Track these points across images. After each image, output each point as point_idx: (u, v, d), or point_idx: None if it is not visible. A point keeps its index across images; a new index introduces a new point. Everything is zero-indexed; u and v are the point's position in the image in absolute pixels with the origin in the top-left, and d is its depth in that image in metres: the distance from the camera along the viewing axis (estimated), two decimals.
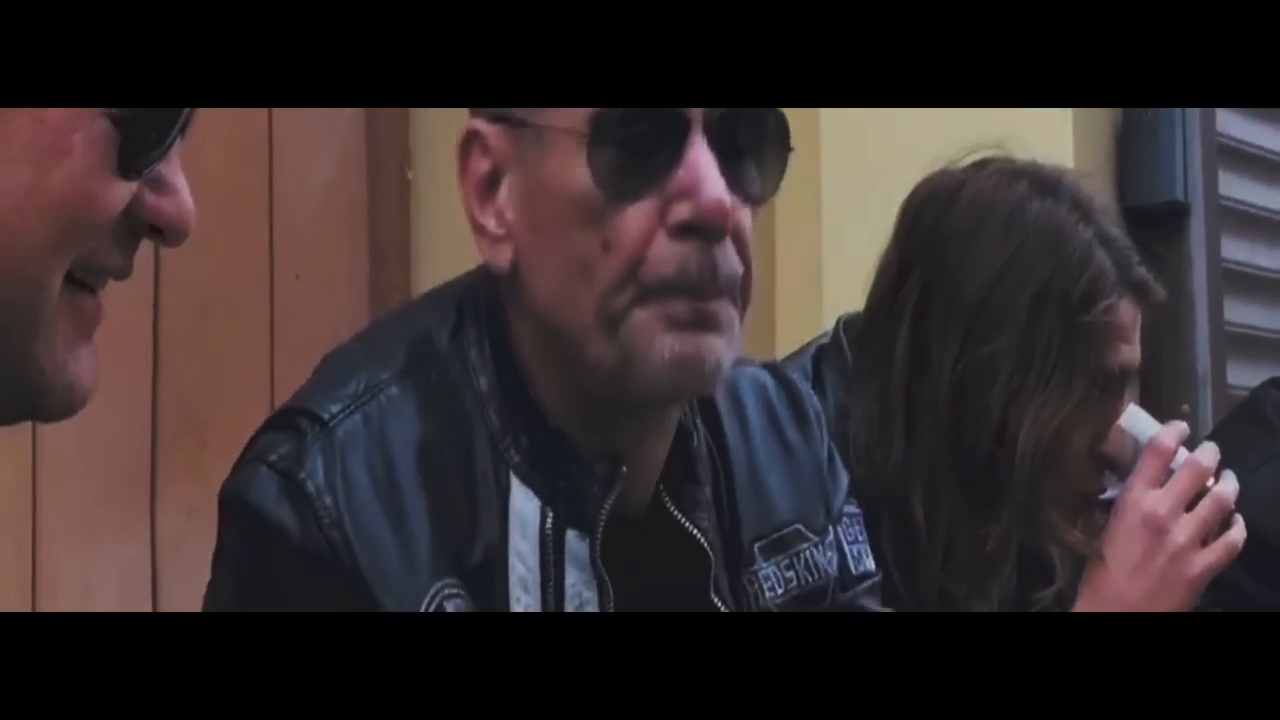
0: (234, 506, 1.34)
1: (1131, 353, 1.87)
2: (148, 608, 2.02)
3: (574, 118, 1.30)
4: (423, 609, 1.34)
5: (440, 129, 2.21)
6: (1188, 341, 2.86)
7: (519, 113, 1.34)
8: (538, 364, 1.39)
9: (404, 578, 1.33)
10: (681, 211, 1.29)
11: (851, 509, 1.60)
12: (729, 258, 1.31)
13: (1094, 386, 1.84)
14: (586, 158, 1.30)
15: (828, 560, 1.55)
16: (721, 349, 1.32)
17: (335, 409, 1.36)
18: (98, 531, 1.97)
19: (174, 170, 0.99)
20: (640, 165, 1.30)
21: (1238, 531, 1.86)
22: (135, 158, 0.96)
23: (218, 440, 2.05)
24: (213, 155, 2.06)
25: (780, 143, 1.36)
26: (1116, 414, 1.87)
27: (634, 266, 1.31)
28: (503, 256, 1.35)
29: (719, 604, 1.45)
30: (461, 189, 1.37)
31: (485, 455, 1.38)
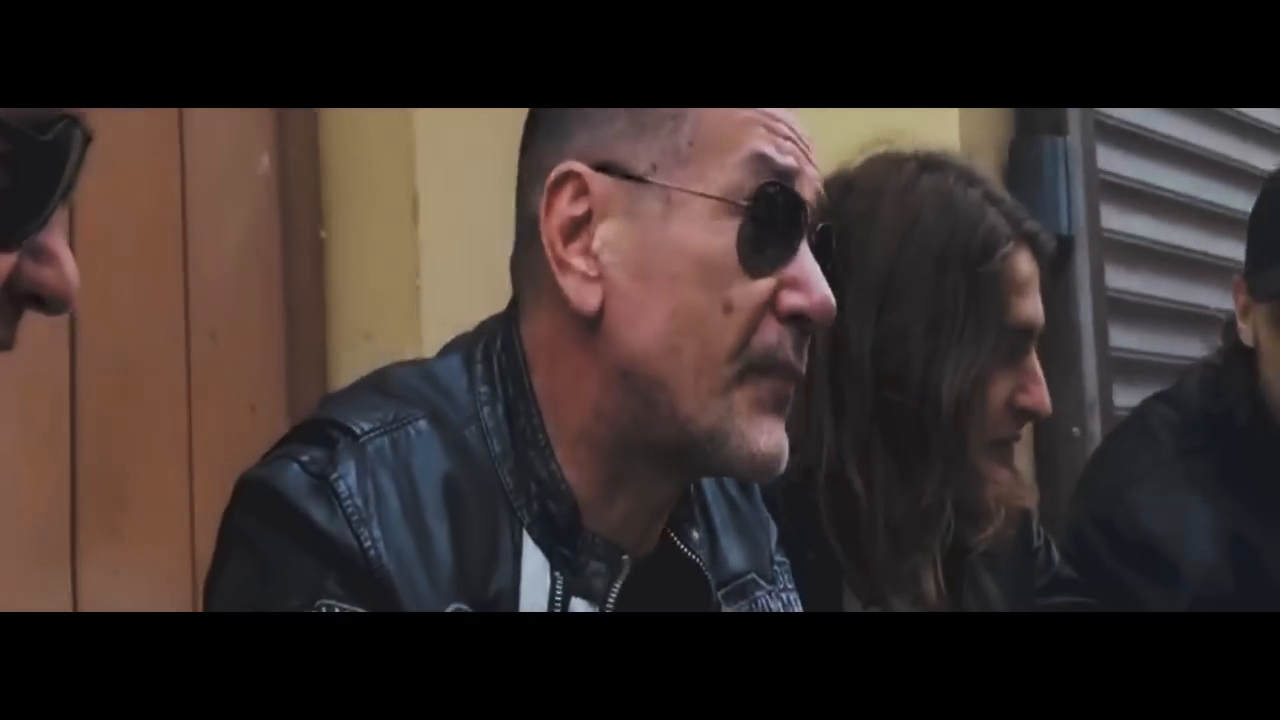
0: (258, 492, 1.29)
1: (1034, 307, 1.85)
2: None
3: (725, 188, 1.32)
4: None
5: (352, 190, 2.22)
6: (1075, 368, 2.87)
7: (639, 169, 1.34)
8: (565, 428, 1.37)
9: (426, 590, 1.30)
10: (796, 300, 1.31)
11: (780, 558, 1.58)
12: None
13: (1003, 339, 1.81)
14: (739, 227, 1.31)
15: (777, 608, 1.54)
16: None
17: (367, 426, 1.32)
18: (19, 595, 1.89)
19: (55, 238, 0.96)
20: (776, 247, 1.32)
21: None
22: (13, 229, 0.93)
23: (138, 501, 2.00)
24: (126, 219, 2.01)
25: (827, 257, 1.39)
26: (1027, 368, 1.84)
27: (749, 335, 1.31)
28: (593, 298, 1.32)
29: None
30: (546, 224, 1.33)
31: (503, 507, 1.35)
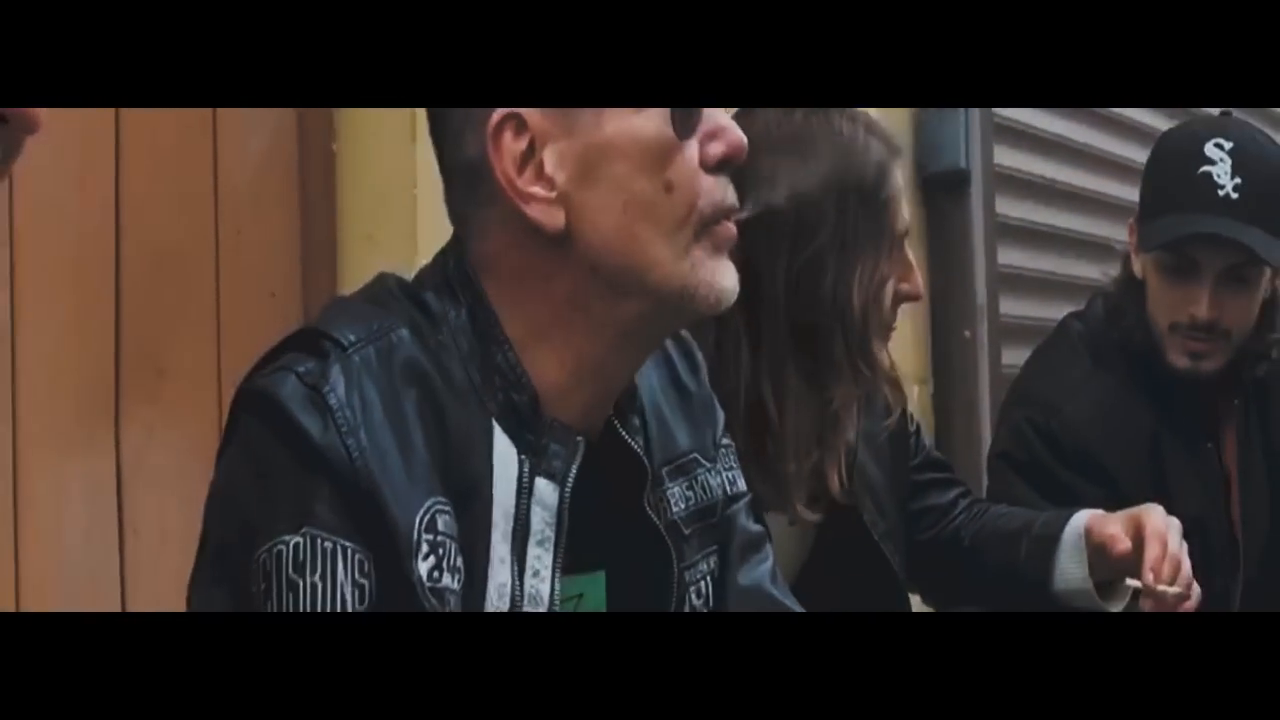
0: (260, 401, 1.26)
1: (906, 210, 1.86)
2: (114, 513, 1.95)
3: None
4: (417, 519, 1.27)
5: (360, 111, 2.16)
6: (969, 280, 2.93)
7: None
8: (529, 332, 1.35)
9: (405, 488, 1.27)
10: (717, 149, 1.30)
11: (726, 441, 1.56)
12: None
13: (895, 246, 1.81)
14: (664, 113, 1.29)
15: (716, 483, 1.52)
16: None
17: (353, 338, 1.29)
18: (69, 447, 1.89)
19: None
20: (694, 111, 1.30)
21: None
22: None
23: (172, 370, 1.99)
24: (165, 128, 1.98)
25: None
26: (904, 260, 1.83)
27: (694, 200, 1.30)
28: (558, 217, 1.30)
29: (650, 513, 1.42)
30: (498, 164, 1.29)
31: (473, 402, 1.32)
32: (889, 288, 1.84)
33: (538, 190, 1.29)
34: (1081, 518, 1.89)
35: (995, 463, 2.19)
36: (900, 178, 1.86)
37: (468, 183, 1.34)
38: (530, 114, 1.29)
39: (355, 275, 2.12)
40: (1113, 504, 2.02)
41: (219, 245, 2.06)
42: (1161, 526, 1.82)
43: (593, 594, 1.43)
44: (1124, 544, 1.83)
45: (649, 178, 1.30)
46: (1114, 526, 1.86)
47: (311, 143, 2.16)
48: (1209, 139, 2.12)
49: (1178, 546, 1.82)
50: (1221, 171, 2.08)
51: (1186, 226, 2.07)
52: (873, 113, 1.87)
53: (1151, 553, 1.78)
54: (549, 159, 1.29)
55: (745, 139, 1.33)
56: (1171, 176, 2.13)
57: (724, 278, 1.34)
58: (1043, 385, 2.23)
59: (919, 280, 1.86)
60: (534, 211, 1.29)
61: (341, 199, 2.17)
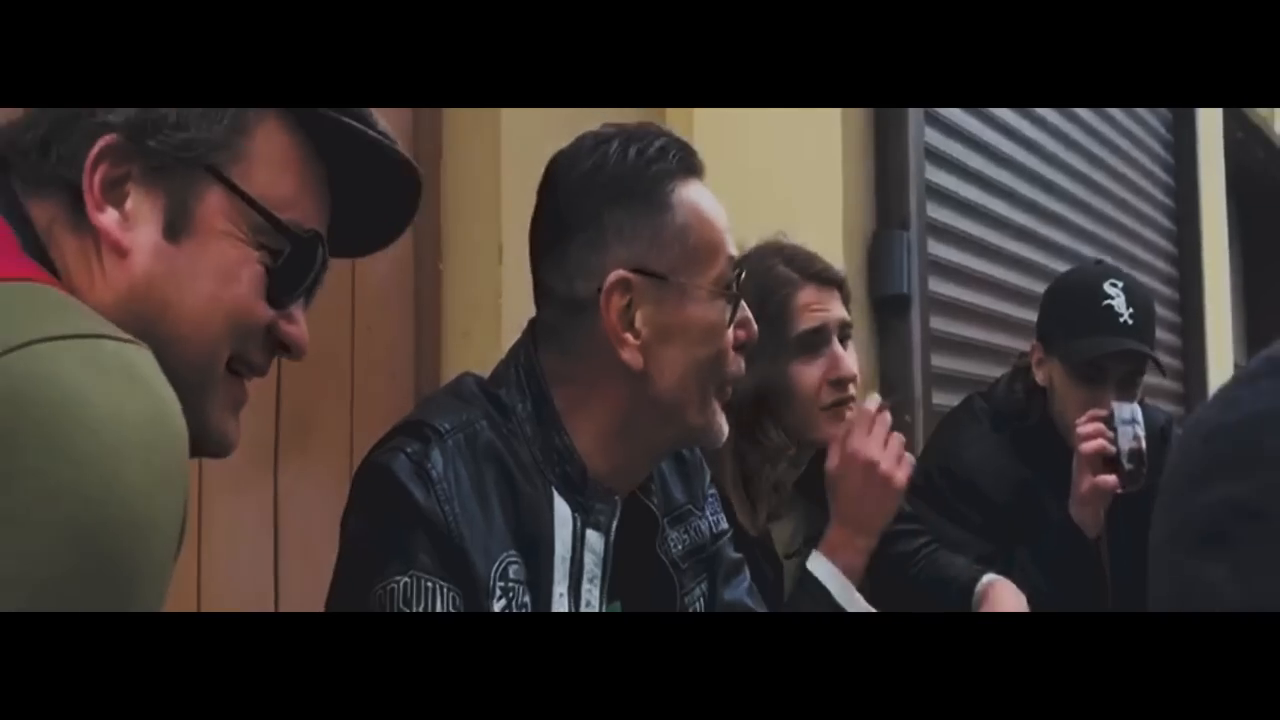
0: (380, 473, 1.29)
1: (825, 314, 1.83)
2: (270, 537, 1.97)
3: (714, 282, 1.36)
4: (494, 569, 1.29)
5: (461, 240, 2.21)
6: (909, 378, 2.90)
7: (662, 271, 1.35)
8: (584, 424, 1.37)
9: (485, 544, 1.29)
10: (742, 335, 1.39)
11: (712, 491, 1.59)
12: None
13: (799, 343, 1.81)
14: (725, 307, 1.37)
15: (705, 526, 1.55)
16: None
17: (448, 426, 1.32)
18: (240, 485, 1.93)
19: (299, 311, 1.02)
20: (739, 310, 1.39)
21: (909, 456, 1.83)
22: (280, 295, 0.98)
23: (317, 429, 2.03)
24: None
25: None
26: (831, 358, 1.83)
27: (727, 368, 1.39)
28: (640, 360, 1.34)
29: (661, 555, 1.46)
30: (607, 313, 1.34)
31: (536, 475, 1.35)
32: (808, 375, 1.82)
33: (629, 337, 1.33)
34: (982, 583, 1.97)
35: (912, 495, 2.18)
36: (812, 294, 1.83)
37: (570, 311, 1.36)
38: (635, 280, 1.33)
39: (454, 363, 2.16)
40: (990, 527, 2.15)
41: (354, 339, 2.09)
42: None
43: None
44: None
45: (707, 348, 1.36)
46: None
47: (425, 263, 2.19)
48: (1104, 279, 2.22)
49: None
50: (1119, 305, 2.17)
51: (1106, 346, 2.15)
52: (816, 248, 1.89)
53: None
54: (640, 317, 1.33)
55: (757, 329, 1.39)
56: (1081, 307, 2.20)
57: (724, 423, 1.40)
58: (948, 441, 2.32)
59: (847, 366, 1.84)
60: (626, 353, 1.33)
61: (445, 305, 2.21)
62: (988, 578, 1.97)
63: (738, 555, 1.63)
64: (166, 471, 0.77)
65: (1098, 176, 4.25)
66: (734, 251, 1.39)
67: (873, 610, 1.84)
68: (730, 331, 1.38)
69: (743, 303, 1.39)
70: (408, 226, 1.11)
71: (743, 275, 1.40)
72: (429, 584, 1.26)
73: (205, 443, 0.96)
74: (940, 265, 3.16)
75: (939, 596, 2.01)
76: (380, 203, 1.07)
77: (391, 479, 1.29)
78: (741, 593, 1.60)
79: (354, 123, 1.00)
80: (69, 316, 0.80)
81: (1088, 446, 2.11)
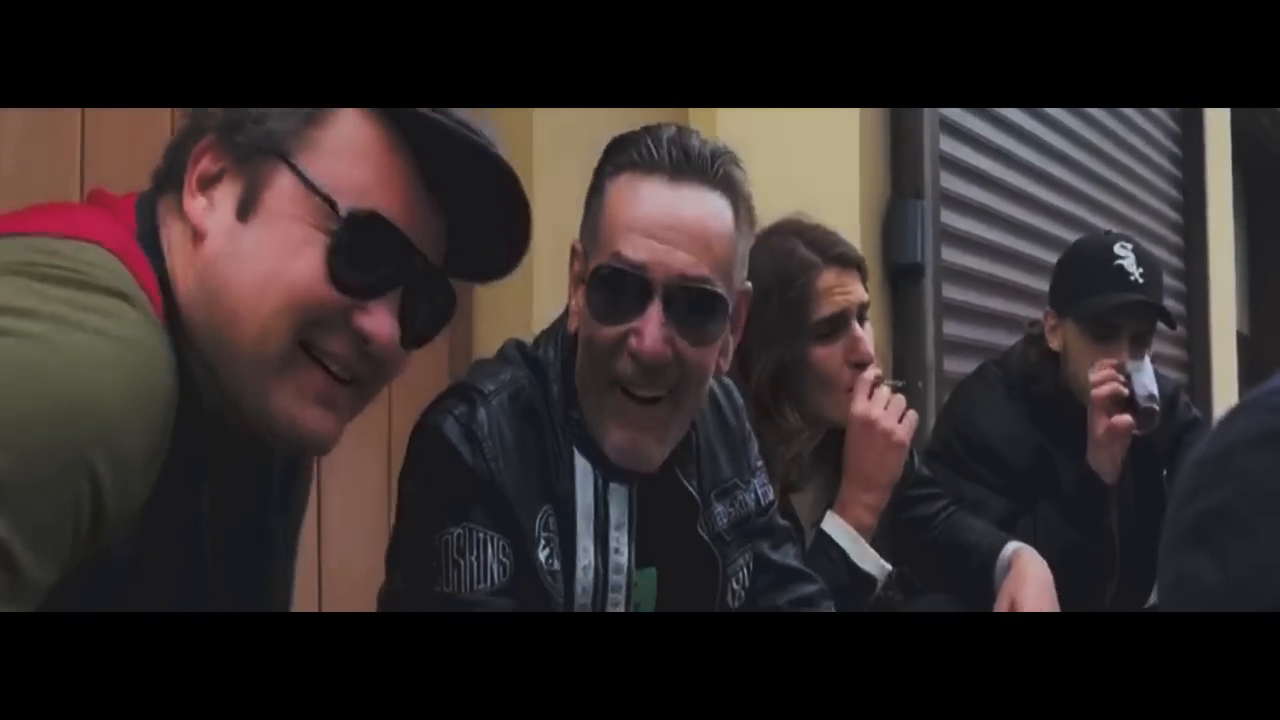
0: (431, 434, 1.36)
1: (845, 299, 1.82)
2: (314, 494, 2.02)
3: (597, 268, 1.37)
4: (537, 520, 1.34)
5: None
6: (922, 345, 2.93)
7: (584, 247, 1.40)
8: (583, 389, 1.41)
9: (527, 498, 1.35)
10: (633, 342, 1.37)
11: (759, 463, 1.63)
12: None
13: (819, 327, 1.80)
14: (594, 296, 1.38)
15: (750, 499, 1.57)
16: None
17: (492, 389, 1.38)
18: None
19: (384, 308, 0.98)
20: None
21: (913, 414, 1.86)
22: (346, 277, 0.96)
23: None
24: None
25: None
26: (851, 340, 1.82)
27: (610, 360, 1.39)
28: (575, 323, 1.42)
29: (702, 533, 1.47)
30: (571, 279, 1.41)
31: (563, 434, 1.40)
32: (829, 357, 1.82)
33: (575, 303, 1.42)
34: (1008, 551, 1.98)
35: (929, 458, 2.25)
36: (833, 277, 1.81)
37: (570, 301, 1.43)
38: (578, 248, 1.40)
39: (485, 326, 2.18)
40: (1008, 487, 2.18)
41: None
42: (1033, 607, 1.85)
43: (646, 584, 1.47)
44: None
45: (586, 330, 1.39)
46: (1002, 600, 1.89)
47: None
48: (1113, 243, 2.27)
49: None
50: (1130, 264, 2.22)
51: (1117, 299, 2.20)
52: (832, 225, 1.88)
53: None
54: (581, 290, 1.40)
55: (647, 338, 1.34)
56: (1093, 268, 2.25)
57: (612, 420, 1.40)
58: (964, 405, 2.36)
59: (866, 349, 1.84)
60: (571, 321, 1.42)
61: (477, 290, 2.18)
62: (1013, 545, 2.00)
63: (786, 523, 1.66)
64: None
65: (1107, 147, 4.27)
66: (624, 249, 1.35)
67: (886, 565, 1.88)
68: (608, 328, 1.36)
69: (648, 301, 1.35)
70: (526, 243, 1.07)
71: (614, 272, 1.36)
72: (480, 534, 1.31)
73: (275, 428, 0.96)
74: (953, 235, 3.19)
75: (960, 561, 2.03)
76: (490, 214, 1.04)
77: (442, 440, 1.34)
78: (790, 558, 1.64)
79: (440, 117, 0.99)
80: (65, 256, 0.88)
81: (1101, 390, 2.15)
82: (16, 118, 1.61)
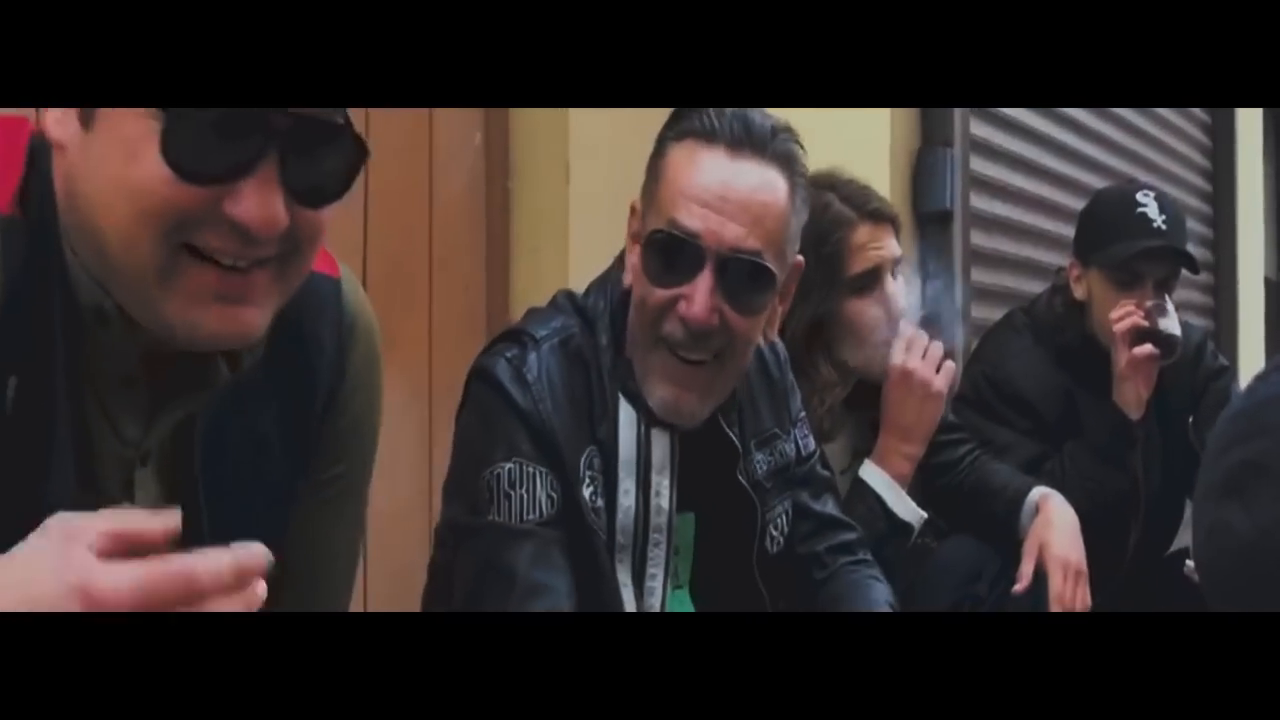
0: (484, 375, 1.41)
1: (879, 255, 1.84)
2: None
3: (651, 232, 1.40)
4: (582, 459, 1.39)
5: (529, 159, 2.25)
6: (951, 294, 2.75)
7: (642, 206, 1.43)
8: (631, 343, 1.45)
9: (574, 437, 1.40)
10: (684, 307, 1.42)
11: (801, 414, 1.67)
12: None
13: (850, 282, 1.83)
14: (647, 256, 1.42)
15: (790, 449, 1.61)
16: None
17: (543, 333, 1.43)
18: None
19: (256, 188, 0.86)
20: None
21: (950, 364, 1.90)
22: (189, 167, 0.85)
23: (400, 340, 2.01)
24: (393, 177, 2.06)
25: None
26: (882, 293, 1.84)
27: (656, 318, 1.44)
28: (628, 279, 1.45)
29: (741, 480, 1.51)
30: (629, 235, 1.46)
31: (609, 378, 1.44)
32: (862, 310, 1.84)
33: (632, 258, 1.45)
34: (1034, 496, 1.98)
35: (957, 403, 2.27)
36: (866, 233, 1.83)
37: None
38: (637, 206, 1.43)
39: (523, 277, 2.23)
40: (1036, 431, 2.21)
41: (432, 255, 2.15)
42: (1061, 553, 1.87)
43: (685, 527, 1.51)
44: (1023, 585, 1.86)
45: (636, 289, 1.46)
46: (1030, 544, 1.88)
47: (495, 183, 2.24)
48: (1135, 191, 2.30)
49: (1077, 559, 1.88)
50: (1152, 212, 2.24)
51: (1140, 245, 2.22)
52: (863, 180, 1.88)
53: (1054, 586, 1.84)
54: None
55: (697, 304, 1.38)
56: (1116, 216, 2.27)
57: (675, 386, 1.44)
58: (992, 351, 2.39)
59: (896, 305, 1.86)
60: (626, 275, 1.46)
61: (515, 222, 2.26)
62: (1040, 490, 2.02)
63: (826, 473, 1.70)
64: None
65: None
66: (680, 216, 1.37)
67: (922, 513, 1.92)
68: (660, 290, 1.39)
69: (699, 267, 1.37)
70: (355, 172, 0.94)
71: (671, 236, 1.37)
72: (530, 469, 1.37)
73: (177, 335, 0.88)
74: (983, 181, 3.20)
75: (986, 505, 2.05)
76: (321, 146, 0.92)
77: (494, 380, 1.39)
78: (829, 507, 1.67)
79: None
80: None
81: (1123, 324, 2.19)
82: None
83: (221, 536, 0.78)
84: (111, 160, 0.87)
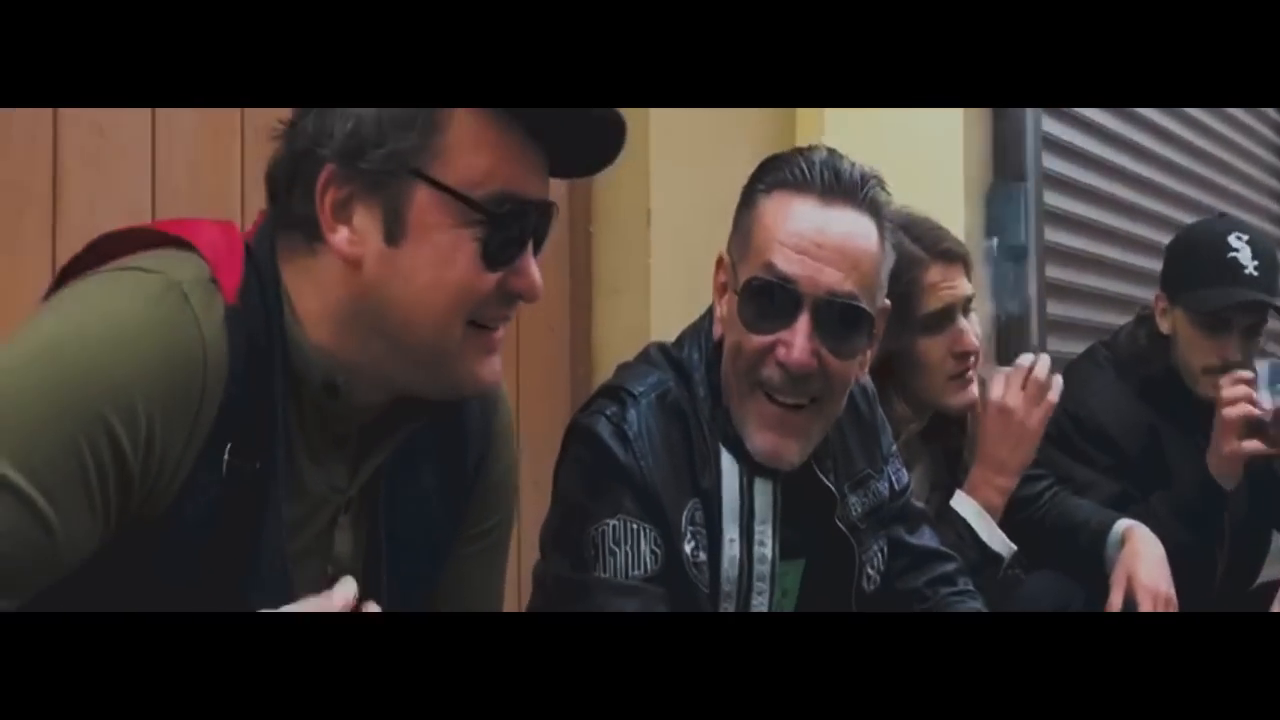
0: (585, 433, 1.42)
1: (951, 294, 1.84)
2: None
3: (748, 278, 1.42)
4: (684, 515, 1.38)
5: (611, 205, 2.28)
6: (1026, 323, 2.93)
7: (734, 258, 1.45)
8: (727, 392, 1.46)
9: (675, 493, 1.40)
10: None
11: (893, 448, 1.65)
12: None
13: (923, 321, 1.82)
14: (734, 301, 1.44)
15: (884, 487, 1.60)
16: None
17: (641, 390, 1.44)
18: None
19: (527, 258, 1.05)
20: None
21: (1053, 394, 1.88)
22: (498, 259, 1.03)
23: None
24: None
25: None
26: (955, 333, 1.83)
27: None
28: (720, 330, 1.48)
29: (840, 524, 1.50)
30: (715, 289, 1.49)
31: (709, 431, 1.44)
32: (934, 348, 1.83)
33: (720, 312, 1.47)
34: (1120, 528, 1.96)
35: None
36: (938, 273, 1.82)
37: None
38: (725, 259, 1.45)
39: (605, 318, 2.26)
40: (1118, 468, 2.16)
41: None
42: (1150, 583, 1.85)
43: (793, 574, 1.50)
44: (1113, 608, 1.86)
45: (730, 335, 1.47)
46: (1119, 574, 1.87)
47: (578, 226, 2.28)
48: (1228, 233, 2.22)
49: (1166, 588, 1.85)
50: (1244, 257, 2.17)
51: (1232, 296, 2.17)
52: (937, 219, 1.88)
53: (1143, 610, 1.82)
54: (726, 297, 1.47)
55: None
56: (1206, 258, 2.21)
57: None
58: (1074, 387, 2.27)
59: (969, 340, 1.86)
60: (717, 327, 1.48)
61: (596, 265, 2.30)
62: (1125, 522, 2.00)
63: (921, 506, 1.69)
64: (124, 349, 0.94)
65: (1210, 120, 4.18)
66: (778, 262, 1.39)
67: (1012, 545, 1.90)
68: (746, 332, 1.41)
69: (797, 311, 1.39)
70: (623, 141, 1.08)
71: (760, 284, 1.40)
72: (634, 525, 1.37)
73: (462, 387, 1.05)
74: (1058, 216, 3.17)
75: (1069, 538, 2.04)
76: (589, 132, 1.07)
77: (595, 438, 1.40)
78: (925, 539, 1.65)
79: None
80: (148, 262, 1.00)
81: (1233, 412, 2.10)
82: (185, 124, 1.70)
83: (396, 576, 1.05)
84: (428, 266, 1.02)
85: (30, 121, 1.56)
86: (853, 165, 1.43)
